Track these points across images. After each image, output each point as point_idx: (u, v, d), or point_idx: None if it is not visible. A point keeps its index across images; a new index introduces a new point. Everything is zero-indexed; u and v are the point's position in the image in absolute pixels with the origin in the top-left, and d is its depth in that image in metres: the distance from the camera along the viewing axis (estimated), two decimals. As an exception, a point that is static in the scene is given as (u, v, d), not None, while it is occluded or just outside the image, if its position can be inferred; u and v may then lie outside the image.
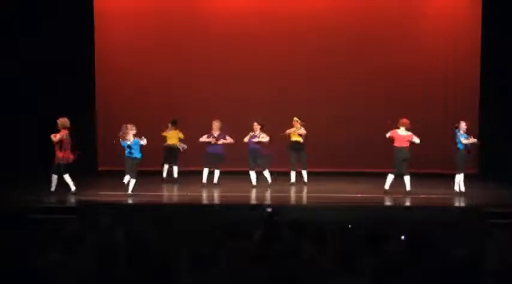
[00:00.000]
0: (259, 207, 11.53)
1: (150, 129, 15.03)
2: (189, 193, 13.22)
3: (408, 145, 12.84)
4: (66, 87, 15.58)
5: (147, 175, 15.30)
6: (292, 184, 14.28)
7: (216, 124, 14.15)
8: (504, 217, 10.86)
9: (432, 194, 12.96)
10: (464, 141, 12.66)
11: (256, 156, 13.88)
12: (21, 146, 14.79)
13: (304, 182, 14.42)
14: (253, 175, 13.99)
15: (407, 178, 12.86)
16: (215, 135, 14.08)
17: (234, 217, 8.30)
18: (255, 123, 13.99)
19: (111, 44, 16.52)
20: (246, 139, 13.94)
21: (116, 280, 5.10)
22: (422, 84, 16.21)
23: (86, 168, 15.19)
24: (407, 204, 12.38)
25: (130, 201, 12.32)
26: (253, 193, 13.35)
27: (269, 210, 10.66)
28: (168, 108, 16.06)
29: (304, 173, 14.47)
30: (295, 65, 16.27)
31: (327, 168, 15.68)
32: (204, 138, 14.11)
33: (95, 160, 15.89)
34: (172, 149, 14.71)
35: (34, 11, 15.27)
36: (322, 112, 16.06)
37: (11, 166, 14.04)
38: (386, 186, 12.95)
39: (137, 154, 12.56)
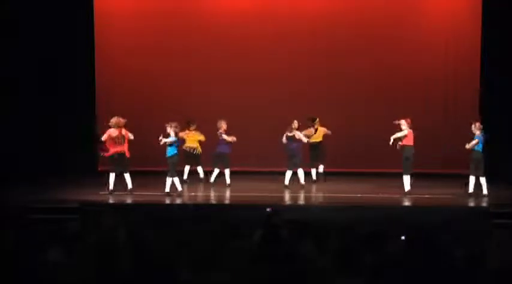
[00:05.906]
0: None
1: (151, 129, 15.04)
2: (192, 193, 13.17)
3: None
4: (66, 87, 15.59)
5: (147, 175, 15.32)
6: (314, 181, 14.62)
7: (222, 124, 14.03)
8: (504, 217, 10.86)
9: (432, 194, 12.94)
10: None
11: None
12: (22, 146, 14.78)
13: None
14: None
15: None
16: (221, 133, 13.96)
17: (235, 217, 8.29)
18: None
19: (111, 44, 16.52)
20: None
21: (116, 280, 5.09)
22: (422, 84, 16.19)
23: (86, 168, 15.20)
24: (408, 204, 12.38)
25: (131, 201, 12.34)
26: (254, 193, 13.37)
27: (268, 209, 10.64)
28: (168, 108, 16.04)
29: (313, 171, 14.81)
30: (295, 65, 16.25)
31: (327, 168, 15.66)
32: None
33: (95, 160, 15.86)
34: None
35: (34, 11, 15.26)
36: (322, 112, 16.03)
37: (11, 166, 14.02)
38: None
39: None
